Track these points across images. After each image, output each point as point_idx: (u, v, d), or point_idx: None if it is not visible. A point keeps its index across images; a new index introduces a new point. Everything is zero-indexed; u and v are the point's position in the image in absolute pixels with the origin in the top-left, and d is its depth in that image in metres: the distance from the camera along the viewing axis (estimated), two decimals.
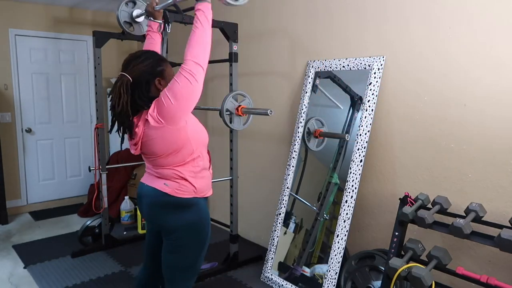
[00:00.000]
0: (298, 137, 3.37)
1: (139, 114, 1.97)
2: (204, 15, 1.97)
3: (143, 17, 2.96)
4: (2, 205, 4.85)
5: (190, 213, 2.06)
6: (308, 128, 3.32)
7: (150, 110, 1.91)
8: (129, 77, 1.90)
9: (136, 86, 1.92)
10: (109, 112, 2.03)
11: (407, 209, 2.33)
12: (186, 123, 1.95)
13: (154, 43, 2.43)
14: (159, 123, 1.89)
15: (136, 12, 2.98)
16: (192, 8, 3.31)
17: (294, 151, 3.39)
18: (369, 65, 2.95)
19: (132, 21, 3.03)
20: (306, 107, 3.36)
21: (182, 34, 4.92)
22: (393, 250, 2.40)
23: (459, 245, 2.56)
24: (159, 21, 2.45)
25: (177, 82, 1.86)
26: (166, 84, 1.95)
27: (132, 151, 2.07)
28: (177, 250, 2.09)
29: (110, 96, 1.94)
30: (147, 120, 1.91)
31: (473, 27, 2.45)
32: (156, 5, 2.43)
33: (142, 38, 4.26)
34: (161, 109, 1.87)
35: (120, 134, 2.00)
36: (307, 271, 3.11)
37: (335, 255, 2.91)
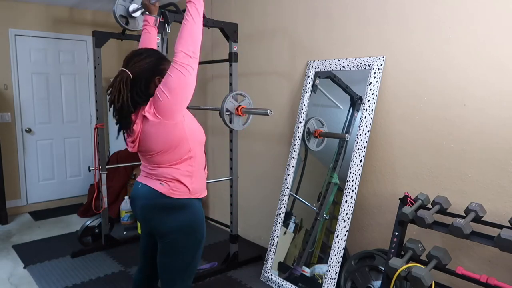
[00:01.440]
0: (298, 137, 3.37)
1: (136, 111, 1.96)
2: (195, 7, 1.95)
3: (139, 12, 2.94)
4: (2, 205, 4.85)
5: (184, 214, 2.04)
6: (308, 128, 3.32)
7: (147, 107, 1.91)
8: (129, 73, 1.90)
9: (136, 82, 1.91)
10: (109, 113, 2.02)
11: (407, 209, 2.33)
12: (183, 119, 1.96)
13: (151, 37, 2.40)
14: (157, 118, 1.89)
15: (132, 6, 2.96)
16: None
17: (294, 151, 3.39)
18: (369, 65, 2.95)
19: (128, 16, 3.01)
20: (306, 107, 3.36)
21: None
22: (393, 250, 2.40)
23: (459, 245, 2.56)
24: (155, 16, 2.41)
25: (170, 76, 1.86)
26: None
27: (130, 149, 2.06)
28: (172, 252, 2.07)
29: (109, 91, 1.92)
30: (144, 116, 1.91)
31: (473, 27, 2.45)
32: None
33: None
34: (158, 104, 1.88)
35: (118, 131, 2.00)
36: (307, 271, 3.11)
37: (335, 255, 2.91)
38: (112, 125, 5.43)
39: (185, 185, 2.03)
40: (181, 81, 1.87)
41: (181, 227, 2.04)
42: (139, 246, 2.33)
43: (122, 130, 1.99)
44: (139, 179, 2.14)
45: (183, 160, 2.02)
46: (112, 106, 1.92)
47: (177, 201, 2.02)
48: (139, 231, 4.53)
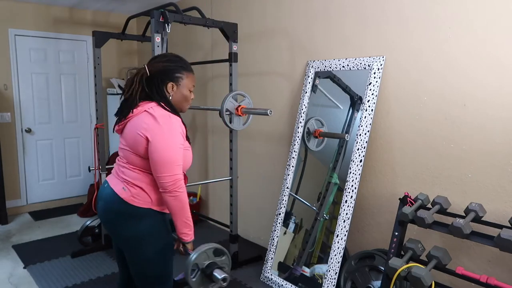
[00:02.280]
0: (298, 137, 3.37)
1: (147, 102, 1.97)
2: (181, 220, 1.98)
3: None
4: (2, 205, 4.85)
5: (142, 224, 1.97)
6: (308, 128, 3.32)
7: (153, 112, 1.90)
8: (147, 70, 1.97)
9: (151, 80, 1.97)
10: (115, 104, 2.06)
11: (407, 209, 2.33)
12: None
13: None
14: (142, 134, 1.89)
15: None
16: (191, 9, 3.34)
17: (294, 151, 3.39)
18: (368, 65, 2.95)
19: None
20: (306, 107, 3.36)
21: (182, 34, 4.94)
22: (393, 250, 2.39)
23: (458, 245, 2.56)
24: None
25: (156, 156, 1.87)
26: (179, 92, 2.02)
27: (116, 127, 2.06)
28: (136, 261, 2.04)
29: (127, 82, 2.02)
30: (145, 111, 1.92)
31: (473, 27, 2.45)
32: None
33: (142, 38, 4.29)
34: (149, 139, 1.88)
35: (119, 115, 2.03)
36: (307, 271, 3.11)
37: (335, 255, 2.91)
38: (113, 125, 5.43)
39: (147, 193, 1.97)
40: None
41: (138, 236, 1.98)
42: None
43: (124, 113, 1.99)
44: (108, 178, 2.10)
45: (150, 172, 1.97)
46: (123, 94, 2.00)
47: (136, 209, 1.95)
48: None
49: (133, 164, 1.97)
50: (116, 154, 5.28)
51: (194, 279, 1.93)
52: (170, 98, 2.01)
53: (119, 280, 2.33)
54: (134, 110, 1.94)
